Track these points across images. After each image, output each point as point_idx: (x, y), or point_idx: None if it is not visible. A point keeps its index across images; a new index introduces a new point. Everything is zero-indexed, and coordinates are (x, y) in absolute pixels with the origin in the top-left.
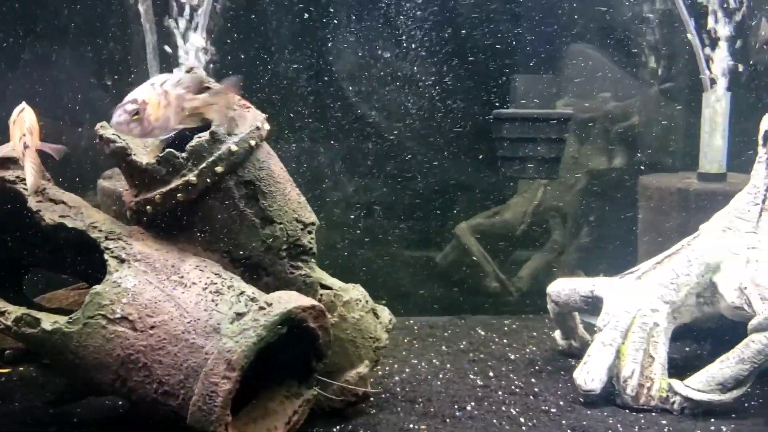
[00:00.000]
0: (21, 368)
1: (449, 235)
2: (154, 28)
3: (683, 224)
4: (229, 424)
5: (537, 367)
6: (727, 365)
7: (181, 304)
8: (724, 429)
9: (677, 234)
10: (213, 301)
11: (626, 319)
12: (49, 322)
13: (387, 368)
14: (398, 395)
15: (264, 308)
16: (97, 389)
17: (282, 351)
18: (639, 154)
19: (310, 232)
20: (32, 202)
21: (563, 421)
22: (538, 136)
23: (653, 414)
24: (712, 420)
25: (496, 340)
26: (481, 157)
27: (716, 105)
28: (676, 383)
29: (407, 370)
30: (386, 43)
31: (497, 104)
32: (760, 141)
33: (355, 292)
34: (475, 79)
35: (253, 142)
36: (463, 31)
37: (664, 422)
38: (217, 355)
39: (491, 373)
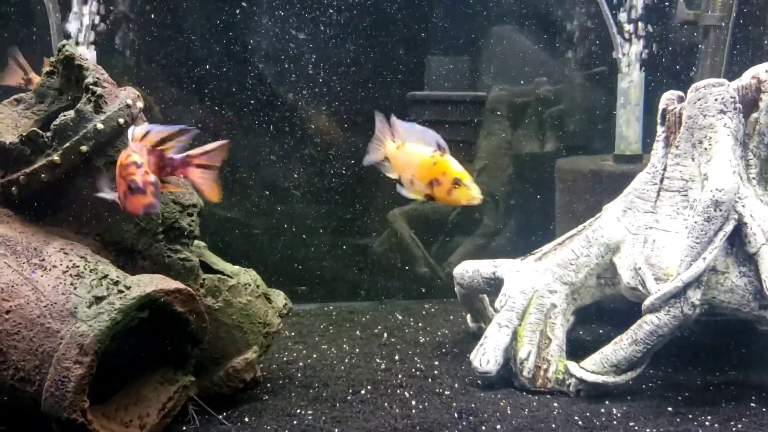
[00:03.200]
0: None
1: (373, 221)
2: (57, 8)
3: (597, 206)
4: (91, 410)
5: (444, 350)
6: (620, 347)
7: (38, 287)
8: (615, 411)
9: (591, 216)
10: (72, 284)
11: (522, 300)
12: None
13: (294, 354)
14: (296, 380)
15: (123, 292)
16: None
17: (159, 337)
18: (570, 138)
19: (190, 215)
20: None
21: (453, 404)
22: (452, 119)
23: (548, 396)
24: (606, 402)
25: (412, 324)
26: None
27: (630, 86)
28: (571, 365)
29: (314, 355)
30: (302, 24)
31: (421, 86)
32: (658, 120)
33: (246, 276)
34: (394, 61)
35: (122, 121)
36: (385, 13)
37: (555, 404)
38: (70, 339)
39: (397, 357)
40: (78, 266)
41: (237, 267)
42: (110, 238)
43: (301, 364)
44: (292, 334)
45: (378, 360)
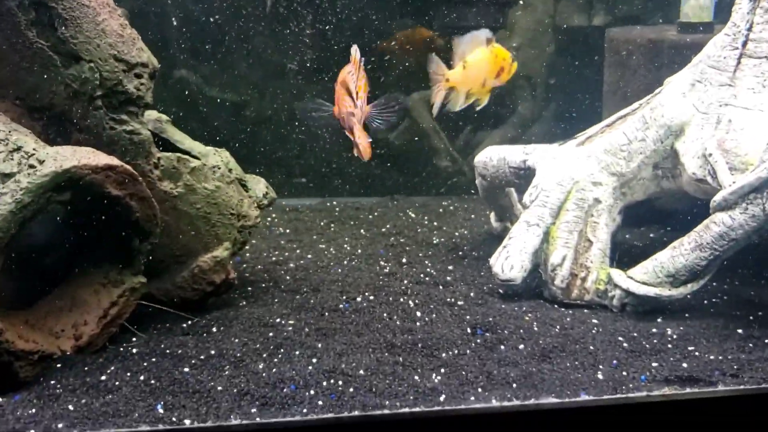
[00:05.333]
0: None
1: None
2: None
3: (655, 85)
4: (4, 316)
5: (460, 253)
6: (680, 252)
7: None
8: (670, 331)
9: (648, 95)
10: None
11: (559, 193)
12: None
13: (286, 254)
14: (282, 284)
15: (34, 167)
16: None
17: (101, 230)
18: (624, 8)
19: (139, 76)
20: None
21: (467, 317)
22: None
23: (585, 311)
24: (659, 320)
25: (426, 223)
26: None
27: None
28: (616, 274)
29: (309, 256)
30: None
31: None
32: None
33: (215, 158)
34: None
35: None
36: None
37: (594, 321)
38: None
39: (405, 260)
40: None
41: (209, 148)
42: (35, 102)
43: (291, 265)
44: (287, 231)
45: (382, 263)
